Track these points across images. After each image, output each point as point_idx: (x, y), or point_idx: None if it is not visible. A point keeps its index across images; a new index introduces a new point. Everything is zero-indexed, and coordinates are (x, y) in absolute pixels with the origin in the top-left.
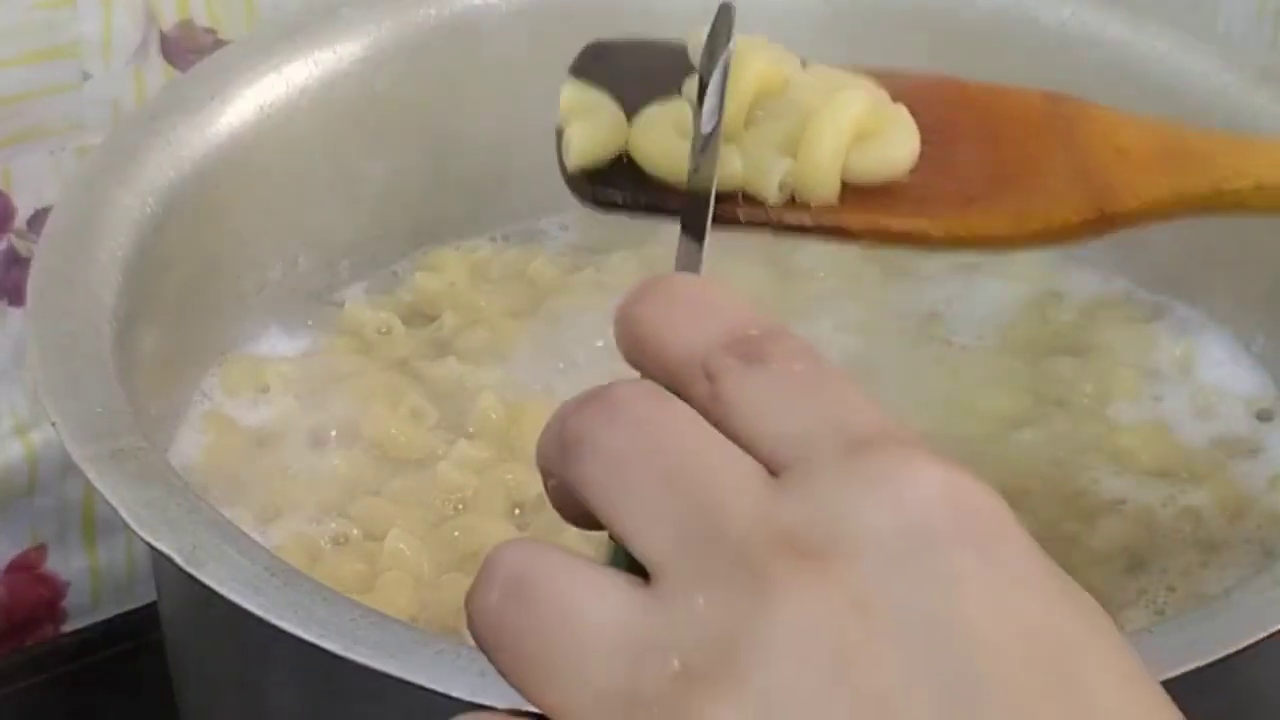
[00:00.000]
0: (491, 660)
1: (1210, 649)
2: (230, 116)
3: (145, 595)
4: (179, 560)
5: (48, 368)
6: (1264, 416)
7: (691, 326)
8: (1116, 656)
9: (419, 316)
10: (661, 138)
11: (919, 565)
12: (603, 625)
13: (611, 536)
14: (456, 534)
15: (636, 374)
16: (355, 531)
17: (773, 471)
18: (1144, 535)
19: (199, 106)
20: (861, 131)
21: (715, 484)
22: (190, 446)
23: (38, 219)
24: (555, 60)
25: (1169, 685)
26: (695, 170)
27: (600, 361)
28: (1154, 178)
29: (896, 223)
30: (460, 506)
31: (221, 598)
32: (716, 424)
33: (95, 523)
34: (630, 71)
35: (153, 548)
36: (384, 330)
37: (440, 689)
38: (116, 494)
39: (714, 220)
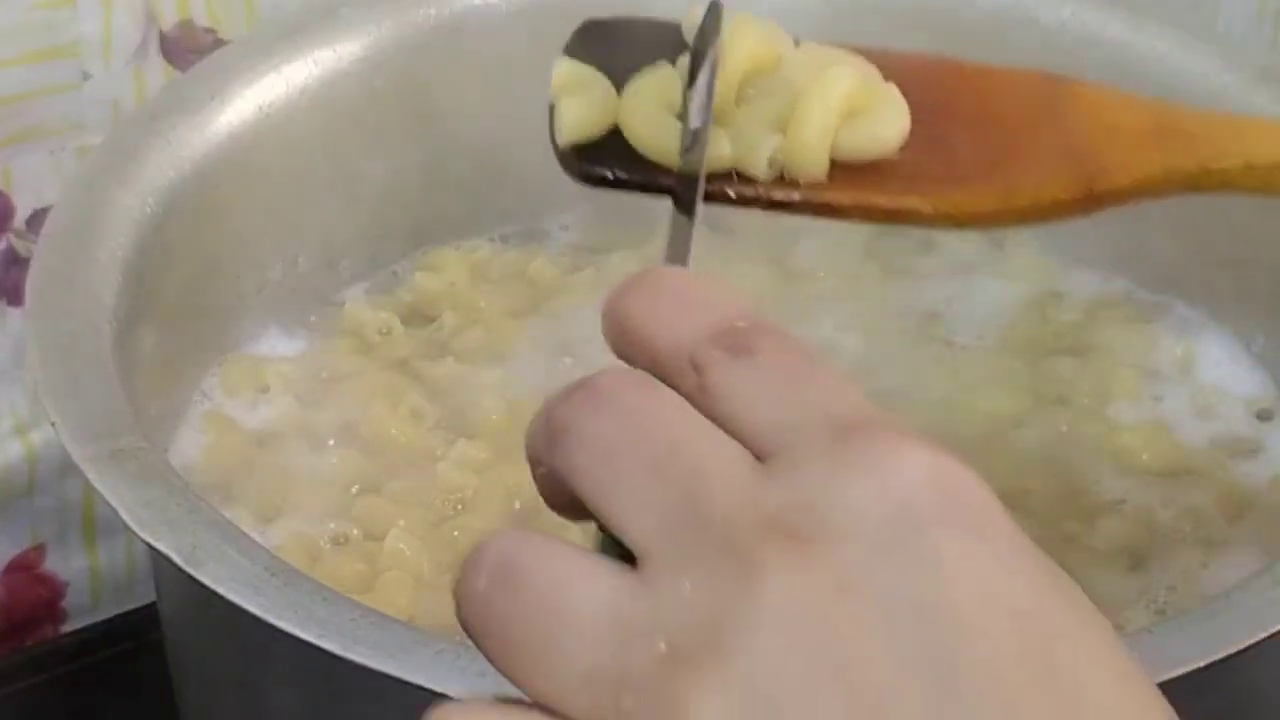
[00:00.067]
0: (480, 647)
1: (1210, 649)
2: (230, 116)
3: (145, 595)
4: (179, 560)
5: (48, 368)
6: (1264, 416)
7: (678, 319)
8: (1099, 639)
9: (419, 317)
10: (650, 117)
11: (905, 549)
12: (589, 610)
13: (599, 525)
14: (456, 534)
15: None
16: (355, 531)
17: (760, 459)
18: (1144, 535)
19: (199, 106)
20: (851, 109)
21: (702, 470)
22: (190, 446)
23: (37, 219)
24: (555, 60)
25: (1169, 685)
26: (686, 154)
27: (600, 361)
28: (1143, 156)
29: (886, 200)
30: (460, 506)
31: (221, 598)
32: (704, 414)
33: (95, 523)
34: (624, 49)
35: (153, 548)
36: (384, 330)
37: (440, 689)
38: (116, 494)
39: (705, 197)
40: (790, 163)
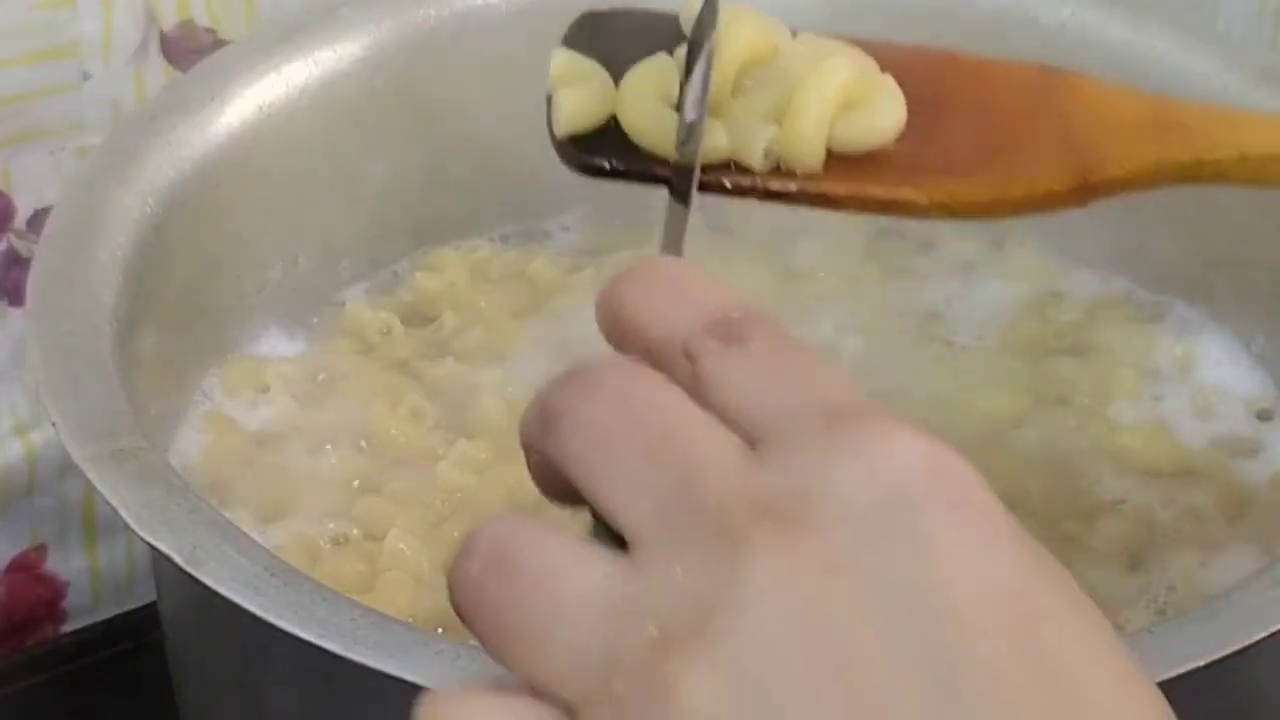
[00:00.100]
0: (472, 631)
1: (1210, 649)
2: (230, 116)
3: (145, 595)
4: (179, 560)
5: (48, 368)
6: (1264, 416)
7: (672, 309)
8: (1087, 621)
9: (419, 317)
10: (647, 108)
11: (894, 532)
12: (581, 594)
13: (592, 513)
14: (456, 534)
15: None
16: (355, 531)
17: (752, 447)
18: (1144, 535)
19: (199, 106)
20: (848, 100)
21: (694, 456)
22: (190, 446)
23: (38, 219)
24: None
25: (1169, 685)
26: (682, 146)
27: None
28: (1138, 147)
29: (882, 190)
30: (460, 507)
31: (221, 598)
32: (697, 402)
33: (95, 523)
34: (621, 40)
35: (153, 548)
36: (384, 330)
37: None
38: (116, 494)
39: (701, 187)
40: (786, 153)
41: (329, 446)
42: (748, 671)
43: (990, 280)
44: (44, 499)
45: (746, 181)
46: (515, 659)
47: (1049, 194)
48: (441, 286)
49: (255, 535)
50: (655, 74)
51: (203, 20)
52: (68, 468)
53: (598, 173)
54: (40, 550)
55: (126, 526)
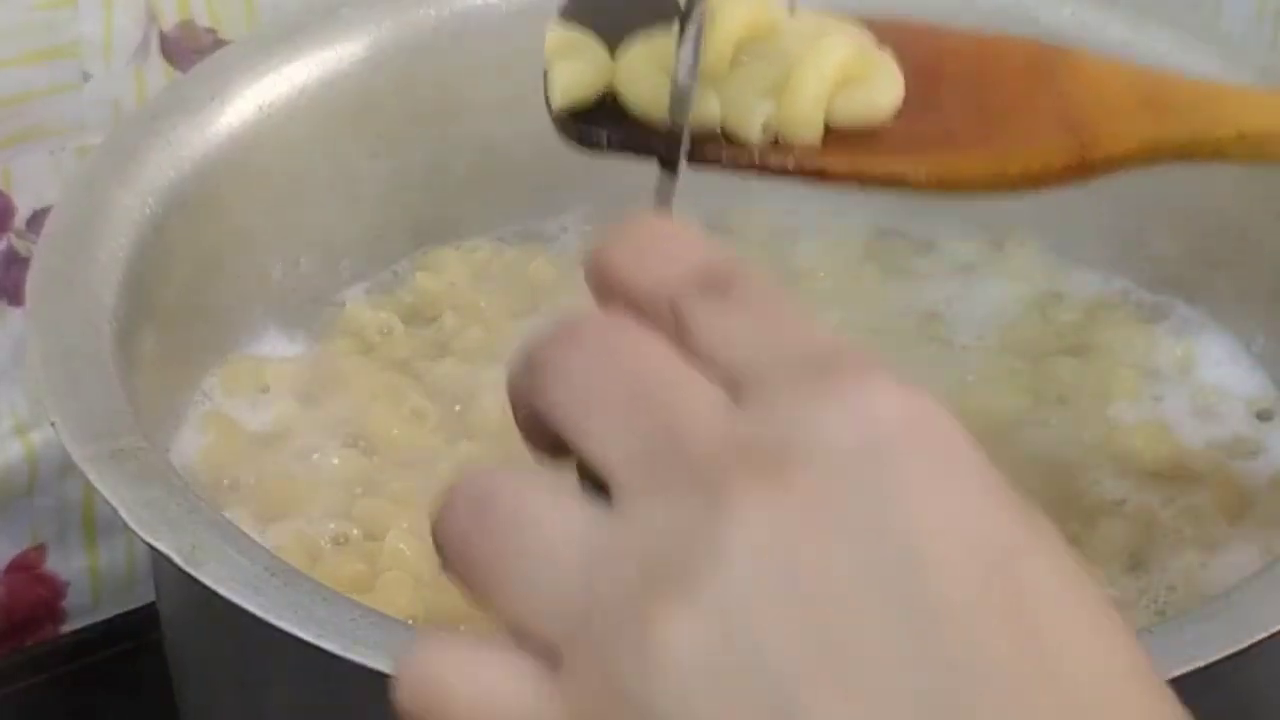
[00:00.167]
0: (457, 578)
1: (1210, 649)
2: (230, 116)
3: (145, 595)
4: (179, 560)
5: (48, 368)
6: (1264, 416)
7: (659, 265)
8: (1064, 568)
9: (419, 317)
10: (645, 77)
11: (873, 478)
12: (564, 539)
13: (579, 469)
14: None
15: None
16: (355, 531)
17: (736, 398)
18: (1144, 535)
19: (199, 106)
20: (846, 76)
21: (678, 403)
22: (190, 446)
23: (38, 219)
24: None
25: (1169, 686)
26: (673, 113)
27: None
28: (1136, 124)
29: (879, 165)
30: None
31: (221, 598)
32: (682, 354)
33: (95, 523)
34: (617, 13)
35: (153, 548)
36: (385, 330)
37: None
38: (116, 494)
39: (700, 161)
40: (784, 128)
41: (329, 447)
42: (726, 613)
43: (990, 280)
44: (44, 499)
45: (743, 156)
46: (498, 604)
47: (1047, 170)
48: (441, 286)
49: (255, 535)
50: (652, 45)
51: (203, 20)
52: (68, 468)
53: (596, 145)
54: (40, 550)
55: (126, 526)
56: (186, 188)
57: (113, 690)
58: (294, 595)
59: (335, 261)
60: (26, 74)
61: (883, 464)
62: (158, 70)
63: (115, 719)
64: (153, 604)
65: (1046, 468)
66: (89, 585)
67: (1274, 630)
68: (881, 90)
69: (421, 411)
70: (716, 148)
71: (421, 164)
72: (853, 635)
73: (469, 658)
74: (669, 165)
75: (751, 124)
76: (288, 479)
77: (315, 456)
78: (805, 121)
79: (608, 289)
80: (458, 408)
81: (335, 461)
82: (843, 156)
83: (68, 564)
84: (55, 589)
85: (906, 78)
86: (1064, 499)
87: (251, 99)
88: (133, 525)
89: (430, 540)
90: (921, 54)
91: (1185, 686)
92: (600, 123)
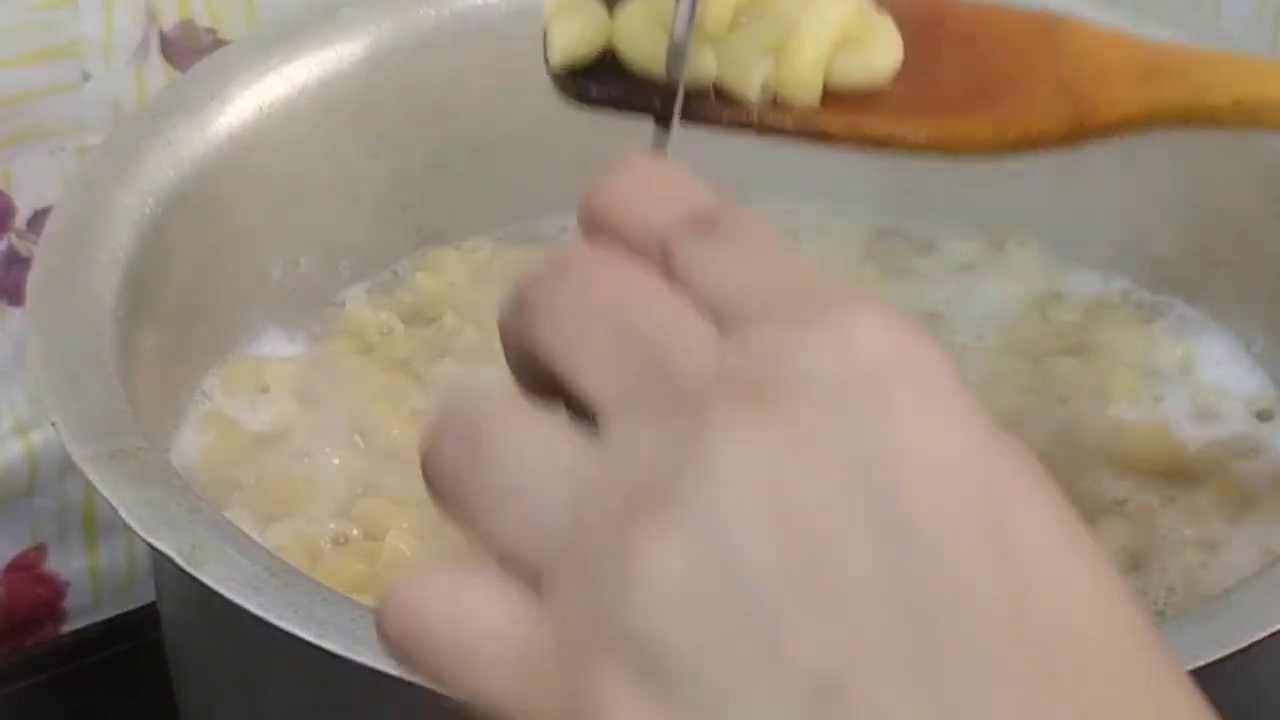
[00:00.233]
0: (447, 512)
1: (1210, 649)
2: (230, 116)
3: (145, 595)
4: (179, 560)
5: (48, 368)
6: (1264, 416)
7: (650, 206)
8: (1047, 498)
9: (420, 317)
10: (642, 33)
11: (857, 404)
12: (551, 467)
13: (567, 407)
14: (457, 535)
15: None
16: (355, 531)
17: (725, 330)
18: (1144, 535)
19: (199, 106)
20: (845, 38)
21: (665, 335)
22: (190, 446)
23: (38, 219)
24: None
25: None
26: (669, 67)
27: None
28: (1133, 89)
29: (878, 126)
30: None
31: (221, 598)
32: (671, 290)
33: (95, 523)
34: None
35: (153, 548)
36: (385, 331)
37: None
38: (116, 494)
39: (699, 120)
40: (783, 88)
41: (329, 447)
42: (707, 534)
43: (990, 280)
44: (44, 499)
45: (742, 115)
46: (487, 534)
47: (1044, 134)
48: (442, 286)
49: (255, 535)
50: (651, 2)
51: (203, 20)
52: (68, 468)
53: (595, 103)
54: (40, 550)
55: (126, 526)
56: (186, 188)
57: (113, 690)
58: (294, 595)
59: (335, 261)
60: (26, 74)
61: (866, 392)
62: (158, 70)
63: (115, 719)
64: (153, 604)
65: (1046, 468)
66: (89, 585)
67: (1274, 630)
68: (880, 53)
69: (421, 412)
70: (716, 106)
71: (421, 164)
72: (833, 556)
73: (452, 582)
74: (664, 120)
75: (750, 83)
76: (288, 479)
77: (315, 456)
78: (804, 83)
79: (597, 228)
80: None
81: (335, 461)
82: (841, 117)
83: (68, 564)
84: (55, 589)
85: (905, 41)
86: None
87: (251, 99)
88: (133, 525)
89: (430, 540)
90: (921, 17)
91: None
92: (599, 80)
